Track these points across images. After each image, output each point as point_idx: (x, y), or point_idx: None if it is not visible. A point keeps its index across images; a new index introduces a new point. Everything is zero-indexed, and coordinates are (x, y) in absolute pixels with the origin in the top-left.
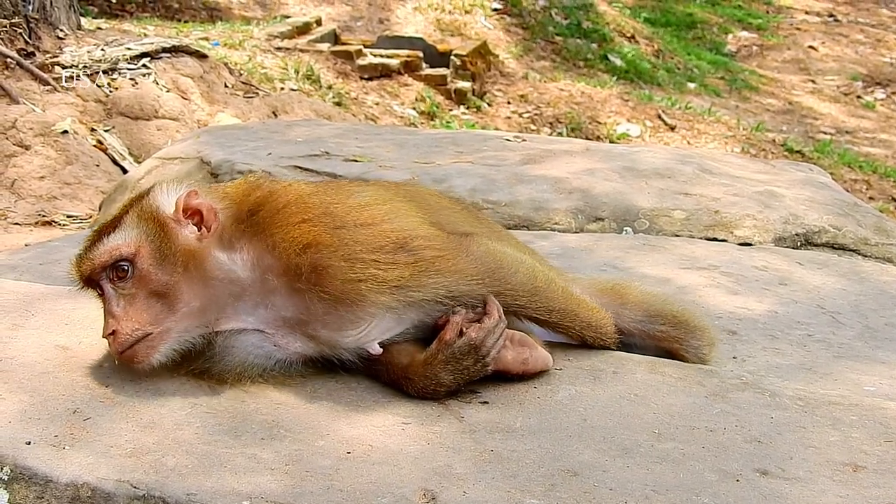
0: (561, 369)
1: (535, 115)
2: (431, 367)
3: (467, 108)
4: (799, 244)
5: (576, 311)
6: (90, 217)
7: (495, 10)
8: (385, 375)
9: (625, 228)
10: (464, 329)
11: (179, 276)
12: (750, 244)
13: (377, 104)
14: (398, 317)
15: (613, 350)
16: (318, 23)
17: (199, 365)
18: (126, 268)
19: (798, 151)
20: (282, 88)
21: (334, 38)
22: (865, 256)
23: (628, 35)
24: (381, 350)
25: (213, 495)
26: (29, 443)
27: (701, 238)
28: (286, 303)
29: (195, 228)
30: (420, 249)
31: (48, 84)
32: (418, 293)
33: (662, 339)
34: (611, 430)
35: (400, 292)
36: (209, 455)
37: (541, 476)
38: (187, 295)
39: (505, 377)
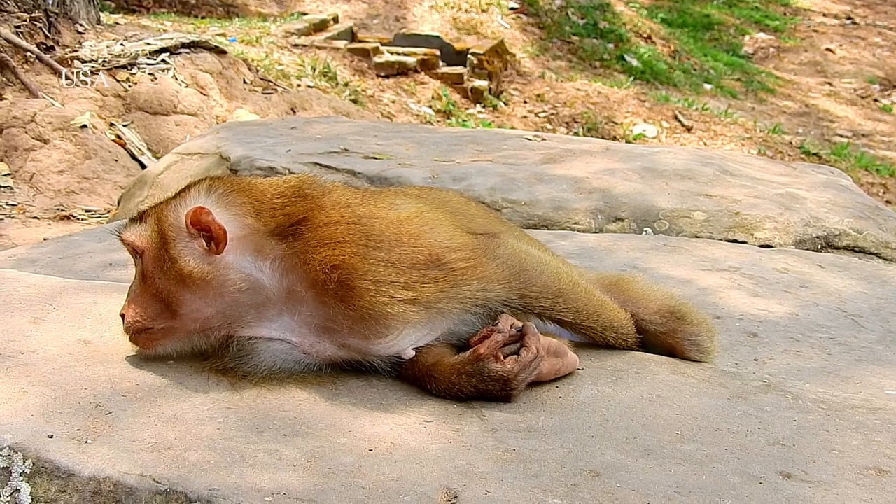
0: (583, 369)
1: (552, 114)
2: (457, 375)
3: (484, 106)
4: (819, 247)
5: (598, 312)
6: (108, 212)
7: (512, 9)
8: (409, 372)
9: (645, 229)
10: (500, 354)
11: (178, 286)
12: (770, 246)
13: (393, 102)
14: (429, 325)
15: (635, 350)
16: (335, 20)
17: (224, 363)
18: (139, 255)
19: (815, 154)
20: (298, 85)
21: (351, 35)
22: (887, 260)
23: (645, 35)
24: (414, 354)
25: (236, 491)
26: (51, 436)
27: (721, 239)
28: (314, 312)
29: (204, 243)
30: (451, 262)
31: (67, 78)
32: (447, 304)
33: (664, 336)
34: (633, 430)
35: (428, 306)
36: (231, 451)
37: (563, 476)
38: (193, 303)
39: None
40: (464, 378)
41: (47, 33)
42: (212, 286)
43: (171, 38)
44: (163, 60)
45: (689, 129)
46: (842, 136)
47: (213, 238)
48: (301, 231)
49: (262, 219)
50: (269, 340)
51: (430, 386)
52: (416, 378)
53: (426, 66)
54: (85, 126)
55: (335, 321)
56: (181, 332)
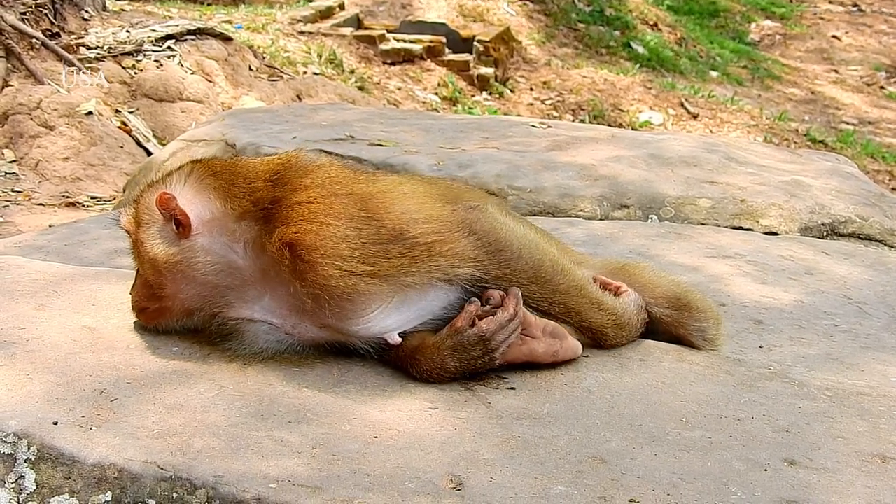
0: (588, 356)
1: (558, 101)
2: (439, 352)
3: (490, 94)
4: (825, 234)
5: (577, 309)
6: (114, 198)
7: None
8: (393, 356)
9: (650, 216)
10: (476, 320)
11: (153, 269)
12: (776, 233)
13: (399, 89)
14: (404, 304)
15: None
16: (341, 7)
17: (211, 340)
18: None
19: (821, 141)
20: (304, 72)
21: (357, 22)
22: (892, 247)
23: (651, 23)
24: (401, 340)
25: (240, 478)
26: (56, 423)
27: (727, 227)
28: (286, 292)
29: (174, 227)
30: (417, 236)
31: (73, 65)
32: (410, 278)
33: (669, 323)
34: (638, 417)
35: (389, 280)
36: (236, 438)
37: (568, 463)
38: (171, 286)
39: (533, 364)
40: (446, 353)
41: (53, 20)
42: (182, 269)
43: (177, 25)
44: (168, 47)
45: (695, 117)
46: (848, 123)
47: (180, 222)
48: (273, 213)
49: (236, 202)
50: (252, 322)
51: (412, 369)
52: (398, 361)
53: (432, 53)
54: (90, 113)
55: (301, 300)
56: (171, 312)
